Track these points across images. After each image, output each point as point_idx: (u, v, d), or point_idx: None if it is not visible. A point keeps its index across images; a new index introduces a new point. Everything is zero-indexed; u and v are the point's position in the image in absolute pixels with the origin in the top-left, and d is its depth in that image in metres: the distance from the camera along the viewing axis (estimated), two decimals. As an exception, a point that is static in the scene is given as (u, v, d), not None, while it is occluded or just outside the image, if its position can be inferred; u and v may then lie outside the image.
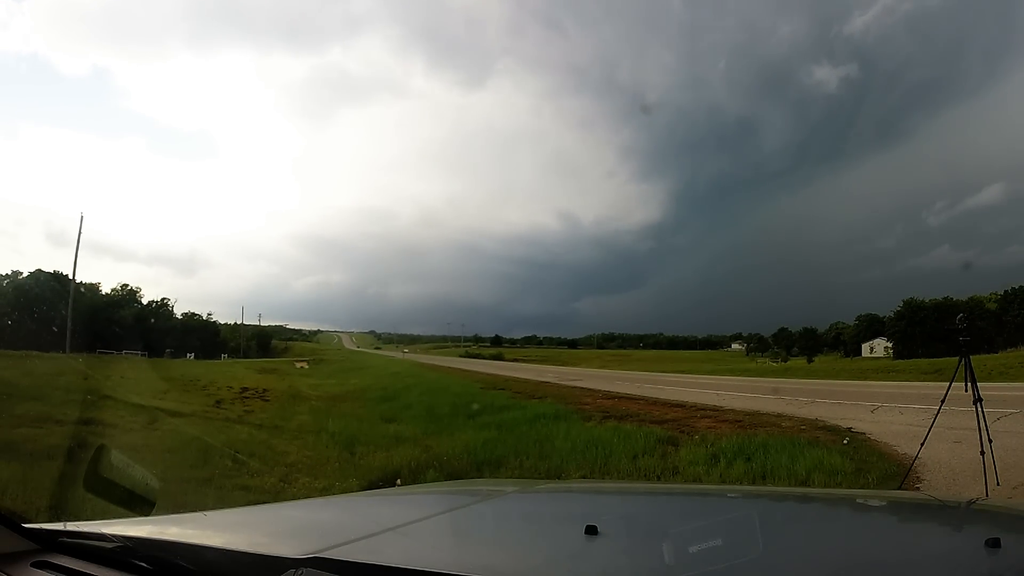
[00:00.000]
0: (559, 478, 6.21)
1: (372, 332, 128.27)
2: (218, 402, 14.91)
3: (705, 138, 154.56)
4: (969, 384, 5.10)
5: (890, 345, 57.18)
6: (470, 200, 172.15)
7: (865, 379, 23.85)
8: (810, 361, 59.26)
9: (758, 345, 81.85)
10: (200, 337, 58.30)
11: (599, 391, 16.81)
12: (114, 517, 1.69)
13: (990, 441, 4.91)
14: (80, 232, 41.94)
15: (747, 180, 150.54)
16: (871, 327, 65.13)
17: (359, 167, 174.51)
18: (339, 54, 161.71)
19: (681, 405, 12.76)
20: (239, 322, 71.99)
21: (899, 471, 5.92)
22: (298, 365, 39.38)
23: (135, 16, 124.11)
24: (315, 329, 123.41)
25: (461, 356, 70.78)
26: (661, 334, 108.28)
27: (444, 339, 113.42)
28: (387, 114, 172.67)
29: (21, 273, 48.77)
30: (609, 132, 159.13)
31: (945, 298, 53.88)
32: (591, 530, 1.31)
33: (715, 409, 11.65)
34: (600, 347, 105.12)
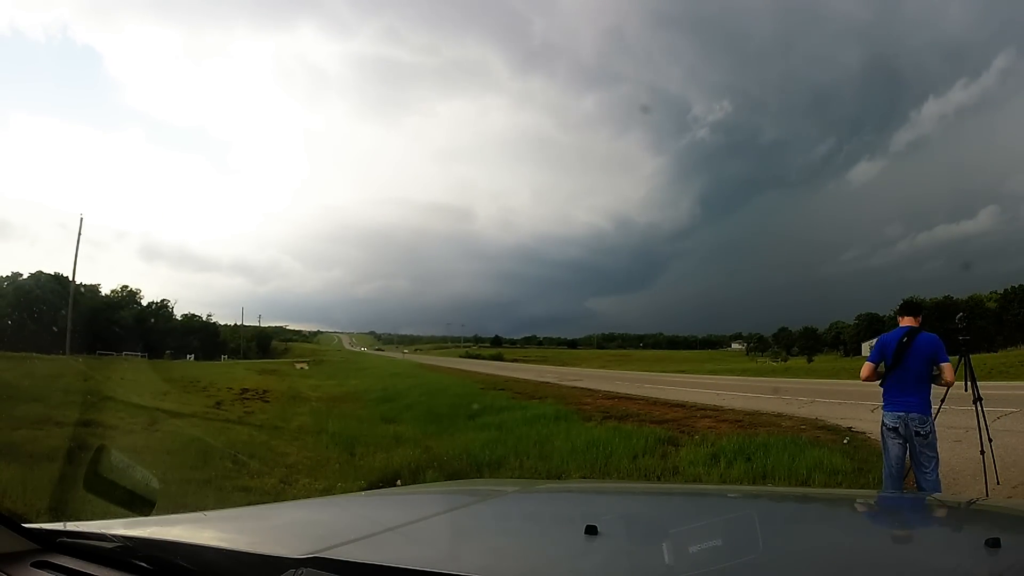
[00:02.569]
0: (559, 478, 6.20)
1: (372, 333, 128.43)
2: (218, 403, 14.90)
3: (721, 148, 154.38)
4: (969, 383, 5.10)
5: (890, 344, 57.10)
6: (472, 200, 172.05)
7: (865, 379, 23.78)
8: (810, 360, 59.24)
9: (758, 345, 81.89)
10: (200, 338, 58.40)
11: (599, 391, 16.80)
12: (114, 517, 1.69)
13: (990, 440, 4.91)
14: (80, 233, 41.91)
15: (754, 186, 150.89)
16: (871, 326, 65.09)
17: (367, 163, 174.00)
18: (418, 45, 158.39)
19: (681, 405, 12.76)
20: (239, 323, 72.11)
21: (899, 471, 5.92)
22: (298, 366, 39.39)
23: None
24: (315, 330, 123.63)
25: (461, 357, 70.81)
26: (661, 334, 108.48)
27: (444, 340, 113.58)
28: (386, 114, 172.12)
29: (21, 275, 48.85)
30: (630, 137, 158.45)
31: (945, 297, 53.94)
32: (591, 530, 1.30)
33: (715, 409, 11.65)
34: (600, 347, 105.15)
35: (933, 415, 4.39)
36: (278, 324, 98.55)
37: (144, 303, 59.15)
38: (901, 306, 4.67)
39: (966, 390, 5.08)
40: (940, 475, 4.37)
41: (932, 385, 4.39)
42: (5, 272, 49.86)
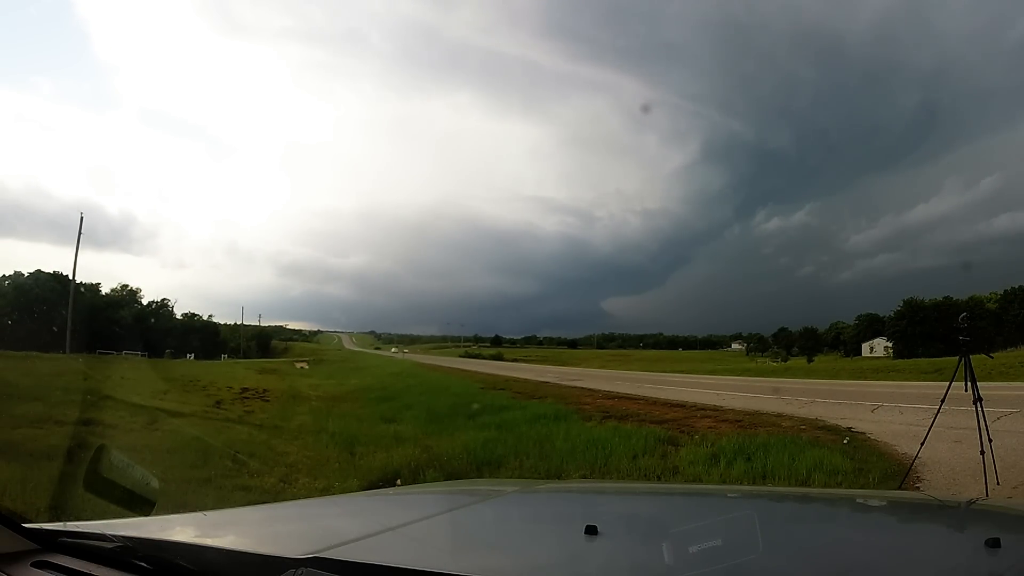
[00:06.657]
0: (559, 478, 6.21)
1: (372, 332, 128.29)
2: (218, 402, 14.90)
3: (731, 153, 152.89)
4: (969, 384, 5.11)
5: (890, 345, 57.18)
6: (473, 197, 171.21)
7: (865, 379, 23.83)
8: (810, 361, 59.22)
9: (758, 345, 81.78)
10: (200, 337, 58.31)
11: (599, 391, 16.81)
12: (114, 517, 1.69)
13: (990, 441, 4.91)
14: (80, 232, 41.88)
15: (756, 188, 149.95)
16: (871, 327, 65.10)
17: (363, 161, 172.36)
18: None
19: (681, 405, 12.76)
20: (239, 322, 72.07)
21: (899, 471, 5.93)
22: (298, 365, 39.41)
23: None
24: (315, 329, 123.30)
25: (461, 356, 70.78)
26: (661, 334, 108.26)
27: (444, 339, 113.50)
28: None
29: (22, 273, 48.86)
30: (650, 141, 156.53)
31: (945, 298, 53.91)
32: (591, 530, 1.31)
33: (715, 409, 11.65)
34: (600, 347, 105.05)
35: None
36: (278, 323, 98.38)
37: (144, 302, 59.17)
38: None
39: (966, 390, 5.09)
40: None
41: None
42: (7, 271, 49.92)
